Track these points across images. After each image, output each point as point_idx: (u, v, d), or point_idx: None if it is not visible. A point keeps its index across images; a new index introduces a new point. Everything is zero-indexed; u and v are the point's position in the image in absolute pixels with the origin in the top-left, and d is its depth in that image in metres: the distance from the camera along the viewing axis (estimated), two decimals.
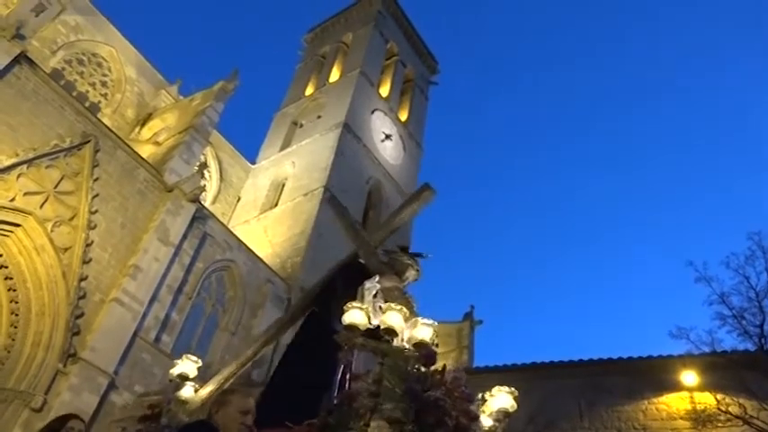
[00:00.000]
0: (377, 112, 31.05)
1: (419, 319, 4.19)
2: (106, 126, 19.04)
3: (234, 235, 21.78)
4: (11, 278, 15.46)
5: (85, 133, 17.24)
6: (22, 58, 16.46)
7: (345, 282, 5.26)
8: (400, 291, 4.92)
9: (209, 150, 27.42)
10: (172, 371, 5.69)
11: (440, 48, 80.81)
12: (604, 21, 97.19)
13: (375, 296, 4.77)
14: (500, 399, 4.33)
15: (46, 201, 15.92)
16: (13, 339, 15.00)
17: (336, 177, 26.00)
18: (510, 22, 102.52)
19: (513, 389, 4.50)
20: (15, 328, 15.15)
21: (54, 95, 17.15)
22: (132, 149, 19.23)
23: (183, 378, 5.47)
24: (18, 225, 15.48)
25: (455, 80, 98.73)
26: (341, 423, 3.71)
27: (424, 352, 3.91)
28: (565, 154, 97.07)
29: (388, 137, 31.06)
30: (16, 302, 15.37)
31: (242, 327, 20.00)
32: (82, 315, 15.59)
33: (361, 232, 6.01)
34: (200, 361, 5.70)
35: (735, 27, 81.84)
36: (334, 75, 32.76)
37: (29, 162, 15.79)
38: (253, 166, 30.33)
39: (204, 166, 27.12)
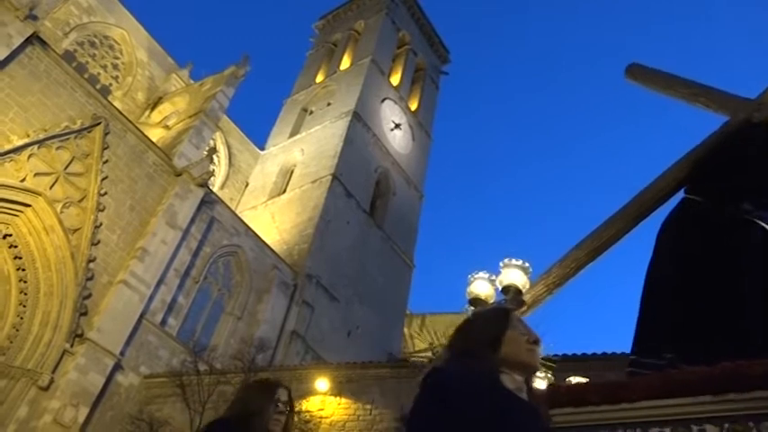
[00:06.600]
0: (387, 101, 30.94)
1: None
2: (117, 109, 19.10)
3: (241, 220, 21.85)
4: (20, 257, 15.63)
5: (96, 115, 17.31)
6: (34, 39, 16.52)
7: (759, 148, 3.94)
8: None
9: (218, 135, 27.47)
10: (473, 287, 4.16)
11: (451, 38, 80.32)
12: (620, 11, 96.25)
13: None
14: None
15: (56, 182, 16.04)
16: (22, 318, 15.19)
17: (345, 165, 25.99)
18: (522, 12, 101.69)
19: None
20: (24, 307, 15.33)
21: (65, 77, 17.21)
22: (142, 133, 19.30)
23: (514, 290, 4.07)
24: (28, 205, 15.62)
25: (466, 70, 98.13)
26: None
27: None
28: (576, 146, 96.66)
29: (397, 126, 30.95)
30: (25, 282, 15.54)
31: (248, 312, 20.12)
32: (89, 296, 15.76)
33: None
34: (530, 268, 4.16)
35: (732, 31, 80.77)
36: (345, 62, 32.62)
37: (40, 143, 15.90)
38: (262, 153, 30.36)
39: (213, 151, 27.15)
